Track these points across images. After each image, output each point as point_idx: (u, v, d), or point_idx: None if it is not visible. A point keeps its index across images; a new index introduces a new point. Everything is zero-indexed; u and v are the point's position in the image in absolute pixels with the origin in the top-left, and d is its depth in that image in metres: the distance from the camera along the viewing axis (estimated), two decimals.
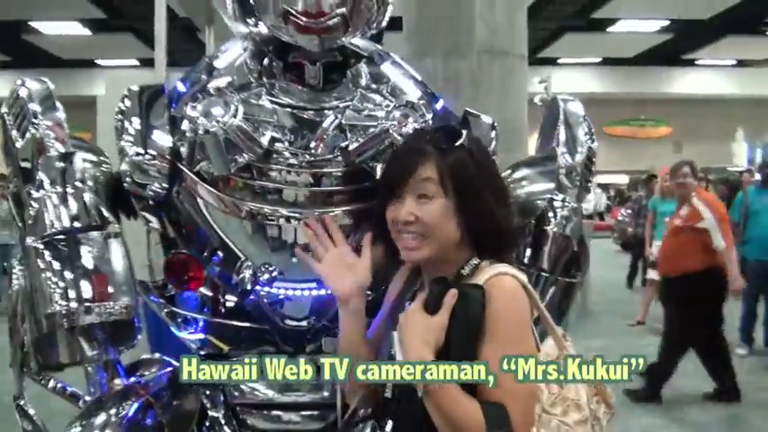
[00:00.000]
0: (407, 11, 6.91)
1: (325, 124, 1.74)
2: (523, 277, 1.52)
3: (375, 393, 1.66)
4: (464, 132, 1.56)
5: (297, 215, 1.73)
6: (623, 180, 27.57)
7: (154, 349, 2.11)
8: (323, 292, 1.82)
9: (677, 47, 23.43)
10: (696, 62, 26.42)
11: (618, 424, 1.77)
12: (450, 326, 1.44)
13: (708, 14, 19.27)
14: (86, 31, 19.50)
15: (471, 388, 1.42)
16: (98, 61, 23.30)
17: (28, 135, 1.80)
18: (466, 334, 1.44)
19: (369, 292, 1.73)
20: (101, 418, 1.60)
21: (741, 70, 27.45)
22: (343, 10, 1.65)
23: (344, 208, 1.76)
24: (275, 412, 1.98)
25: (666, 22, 20.36)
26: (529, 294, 1.51)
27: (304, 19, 1.63)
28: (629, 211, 12.28)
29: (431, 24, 6.61)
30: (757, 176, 9.03)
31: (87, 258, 1.71)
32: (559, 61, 25.49)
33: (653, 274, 9.14)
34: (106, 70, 22.68)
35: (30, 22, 18.62)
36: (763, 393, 6.56)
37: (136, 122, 1.80)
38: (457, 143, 1.54)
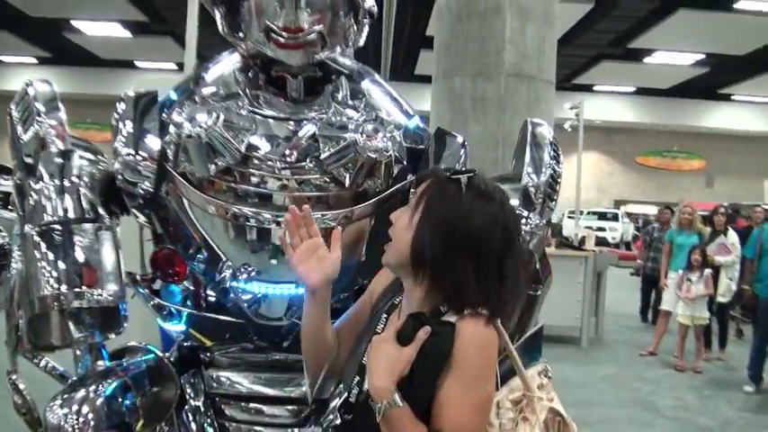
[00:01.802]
0: (439, 30, 7.03)
1: (300, 134, 1.86)
2: (497, 320, 1.57)
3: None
4: (473, 172, 1.58)
5: (279, 219, 1.83)
6: (653, 211, 27.40)
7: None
8: (300, 291, 1.91)
9: (713, 81, 23.33)
10: (732, 97, 26.22)
11: None
12: (417, 359, 1.50)
13: (745, 50, 19.19)
14: (127, 33, 19.86)
15: (426, 416, 1.50)
16: (137, 63, 23.64)
17: (31, 132, 1.95)
18: (431, 369, 1.51)
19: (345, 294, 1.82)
20: (80, 394, 1.69)
21: None
22: (321, 27, 1.82)
23: (325, 213, 1.86)
24: (253, 404, 2.09)
25: (703, 56, 20.26)
26: (499, 333, 1.56)
27: (285, 35, 1.79)
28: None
29: (461, 45, 6.71)
30: None
31: (79, 248, 1.84)
32: (594, 88, 25.45)
33: (667, 306, 9.14)
34: (144, 72, 23.04)
35: (72, 21, 19.00)
36: (765, 431, 6.53)
37: (129, 125, 1.94)
38: (453, 175, 1.57)
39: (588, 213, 24.67)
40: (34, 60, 23.82)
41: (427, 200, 1.56)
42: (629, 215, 27.15)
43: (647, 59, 20.96)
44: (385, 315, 1.72)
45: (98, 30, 19.66)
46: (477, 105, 6.66)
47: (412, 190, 1.62)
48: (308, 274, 1.68)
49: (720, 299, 8.88)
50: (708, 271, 8.36)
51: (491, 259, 1.53)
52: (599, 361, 8.75)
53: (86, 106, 22.34)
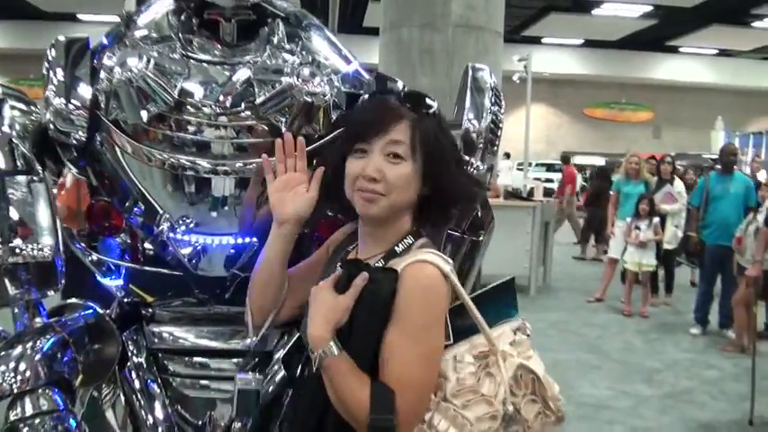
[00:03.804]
0: None
1: (234, 78, 1.80)
2: (447, 267, 1.54)
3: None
4: (435, 102, 1.60)
5: (218, 166, 1.79)
6: (600, 162, 27.73)
7: None
8: (239, 241, 1.89)
9: (661, 33, 23.53)
10: (679, 49, 26.49)
11: None
12: (356, 307, 1.50)
13: (692, 2, 19.36)
14: None
15: (373, 370, 1.50)
16: (79, 16, 23.02)
17: None
18: (370, 317, 1.50)
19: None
20: (17, 351, 1.64)
21: (724, 60, 27.62)
22: None
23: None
24: (196, 358, 2.06)
25: (650, 8, 20.40)
26: (452, 285, 1.54)
27: None
28: None
29: None
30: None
31: (12, 201, 1.77)
32: (543, 41, 25.51)
33: (613, 253, 9.32)
34: (86, 25, 22.45)
35: None
36: (711, 370, 6.74)
37: (59, 73, 1.85)
38: (430, 110, 1.59)
39: (536, 165, 24.90)
40: None
41: (422, 143, 1.56)
42: (576, 166, 27.43)
43: (595, 11, 21.09)
44: (340, 262, 1.68)
45: None
46: (425, 57, 6.62)
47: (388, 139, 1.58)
48: (281, 204, 1.69)
49: (667, 246, 9.08)
50: (656, 219, 8.54)
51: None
52: (547, 308, 8.92)
53: (28, 62, 21.62)
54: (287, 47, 1.90)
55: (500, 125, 2.06)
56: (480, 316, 1.59)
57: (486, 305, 1.64)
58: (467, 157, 1.99)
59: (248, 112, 1.79)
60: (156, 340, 2.06)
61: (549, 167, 25.67)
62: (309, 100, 1.78)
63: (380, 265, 1.58)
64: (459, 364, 1.55)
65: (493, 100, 2.08)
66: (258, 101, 1.77)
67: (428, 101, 1.61)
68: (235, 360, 2.07)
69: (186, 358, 2.06)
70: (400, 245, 1.60)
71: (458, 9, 6.48)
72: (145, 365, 2.04)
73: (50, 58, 1.89)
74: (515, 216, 9.32)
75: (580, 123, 30.20)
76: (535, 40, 24.68)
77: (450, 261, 1.61)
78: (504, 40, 7.08)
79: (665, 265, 9.49)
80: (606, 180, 13.62)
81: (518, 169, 16.44)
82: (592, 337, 7.84)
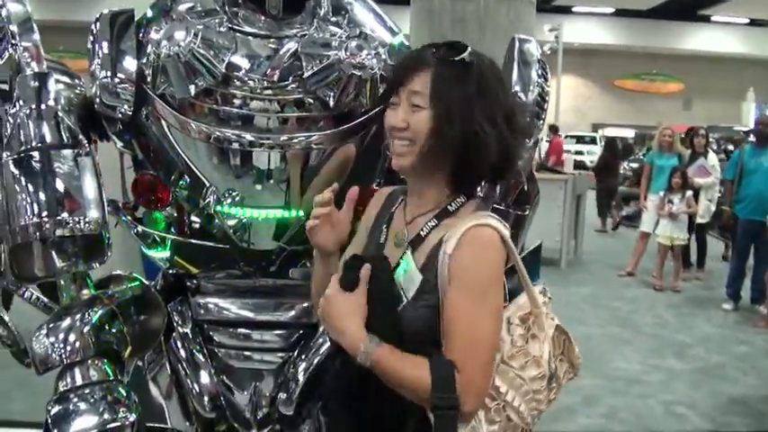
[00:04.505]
0: None
1: (281, 52, 1.80)
2: (504, 230, 1.53)
3: None
4: (469, 48, 1.54)
5: (263, 140, 1.79)
6: (630, 134, 27.48)
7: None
8: (286, 214, 1.90)
9: (692, 2, 23.14)
10: (711, 19, 26.08)
11: None
12: (371, 298, 1.51)
13: None
14: None
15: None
16: None
17: (6, 55, 1.86)
18: (379, 302, 1.51)
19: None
20: (66, 322, 1.66)
21: (755, 30, 27.14)
22: None
23: (310, 134, 1.82)
24: (241, 330, 2.08)
25: None
26: (507, 248, 1.54)
27: None
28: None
29: None
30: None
31: (59, 174, 1.76)
32: (573, 10, 25.21)
33: (645, 227, 9.22)
34: None
35: None
36: (743, 346, 6.70)
37: (105, 47, 1.86)
38: (456, 57, 1.53)
39: (566, 137, 24.70)
40: None
41: (438, 90, 1.51)
42: (606, 138, 27.23)
43: None
44: (384, 226, 1.69)
45: None
46: (457, 26, 6.53)
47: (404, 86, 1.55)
48: (325, 242, 1.67)
49: (699, 219, 8.96)
50: (689, 192, 8.43)
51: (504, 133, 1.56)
52: (578, 282, 8.87)
53: (58, 33, 21.79)
54: (333, 20, 1.89)
55: (546, 98, 2.05)
56: (528, 277, 1.61)
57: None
58: None
59: (295, 86, 1.78)
60: (201, 311, 2.08)
61: (580, 140, 25.45)
62: (358, 73, 1.77)
63: (433, 224, 1.57)
64: (510, 326, 1.56)
65: (540, 72, 2.05)
66: (306, 74, 1.77)
67: (457, 47, 1.55)
68: (278, 332, 2.09)
69: (231, 329, 2.08)
70: (453, 204, 1.59)
71: None
72: (190, 336, 2.06)
73: (95, 31, 1.90)
74: (547, 189, 9.13)
75: (610, 95, 29.89)
76: (566, 10, 24.42)
77: (507, 225, 1.60)
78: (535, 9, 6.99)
79: (697, 240, 9.40)
80: (614, 152, 13.84)
81: (547, 141, 16.31)
82: (624, 311, 7.78)
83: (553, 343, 1.63)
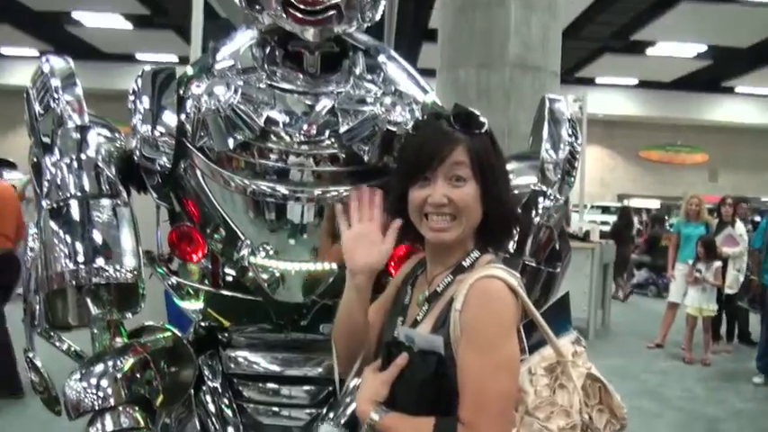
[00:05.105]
0: (444, 22, 6.99)
1: (317, 108, 1.84)
2: (513, 281, 1.52)
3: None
4: (485, 119, 1.60)
5: (298, 193, 1.83)
6: (656, 205, 27.37)
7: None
8: (319, 268, 1.91)
9: (716, 74, 23.26)
10: (734, 90, 26.15)
11: None
12: (396, 383, 1.55)
13: (748, 43, 19.16)
14: (128, 26, 19.80)
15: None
16: (138, 56, 23.59)
17: (48, 109, 1.92)
18: (408, 396, 1.53)
19: None
20: (99, 368, 1.68)
21: None
22: (337, 0, 1.78)
23: (343, 188, 1.85)
24: (270, 385, 2.07)
25: (705, 48, 20.20)
26: (520, 299, 1.53)
27: (301, 9, 1.76)
28: None
29: (466, 36, 6.68)
30: None
31: (97, 223, 1.80)
32: (597, 81, 25.39)
33: (674, 298, 9.12)
34: (144, 65, 22.97)
35: (73, 13, 18.95)
36: None
37: (146, 102, 1.91)
38: (482, 129, 1.59)
39: (592, 207, 24.63)
40: (36, 53, 23.72)
41: (479, 162, 1.57)
42: (632, 209, 27.09)
43: (649, 52, 20.90)
44: (409, 286, 1.72)
45: (99, 22, 19.55)
46: (482, 96, 6.62)
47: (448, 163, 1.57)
48: (353, 255, 1.69)
49: (728, 290, 8.87)
50: (717, 263, 8.34)
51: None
52: (606, 353, 8.74)
53: (89, 99, 22.19)
54: (368, 78, 1.95)
55: (577, 156, 2.06)
56: (548, 328, 1.59)
57: (546, 321, 1.63)
58: (544, 188, 1.99)
59: (330, 141, 1.82)
60: (231, 365, 2.07)
61: (605, 210, 25.35)
62: (393, 129, 1.81)
63: (449, 280, 1.59)
64: (533, 377, 1.55)
65: (570, 131, 2.08)
66: (342, 129, 1.81)
67: (479, 119, 1.60)
68: (306, 387, 2.07)
69: (260, 384, 2.07)
70: (467, 259, 1.61)
71: (515, 49, 6.49)
72: (220, 390, 2.05)
73: (136, 88, 1.95)
74: (574, 258, 9.10)
75: (635, 165, 29.84)
76: (589, 81, 24.59)
77: (518, 275, 1.60)
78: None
79: (726, 311, 9.27)
80: (627, 221, 14.12)
81: (573, 211, 16.28)
82: (653, 383, 7.65)
83: (586, 392, 1.61)
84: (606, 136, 28.12)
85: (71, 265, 1.74)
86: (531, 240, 2.01)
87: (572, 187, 2.07)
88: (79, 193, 1.82)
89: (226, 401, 2.04)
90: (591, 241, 10.65)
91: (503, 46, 6.48)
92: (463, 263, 1.60)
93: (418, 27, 17.73)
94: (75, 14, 19.07)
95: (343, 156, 1.84)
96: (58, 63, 1.99)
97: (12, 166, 11.27)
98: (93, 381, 1.65)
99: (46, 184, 1.85)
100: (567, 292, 1.79)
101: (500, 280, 1.50)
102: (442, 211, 1.56)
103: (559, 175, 2.04)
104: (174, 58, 22.10)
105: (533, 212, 2.02)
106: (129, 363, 1.71)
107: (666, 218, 19.60)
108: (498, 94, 6.55)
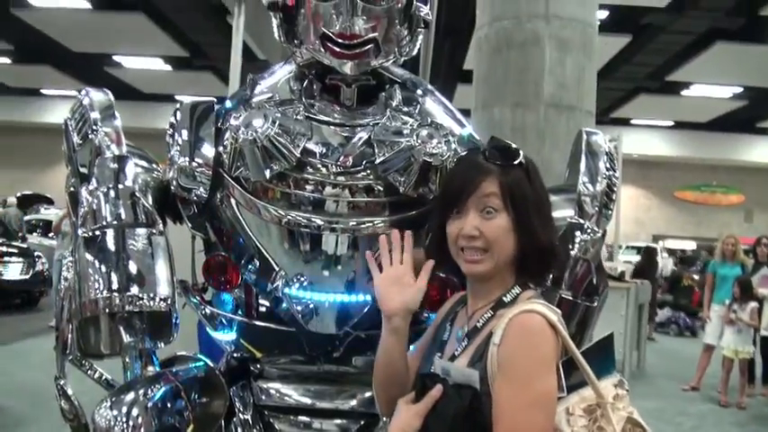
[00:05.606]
0: (478, 62, 7.02)
1: (354, 139, 1.87)
2: (554, 317, 1.50)
3: None
4: (521, 151, 1.60)
5: (333, 224, 1.83)
6: (691, 246, 27.03)
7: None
8: (353, 299, 1.92)
9: (751, 114, 23.06)
10: None
11: None
12: (429, 415, 1.52)
13: None
14: (168, 68, 20.21)
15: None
16: (177, 96, 23.91)
17: (86, 140, 1.97)
18: (440, 430, 1.50)
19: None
20: (129, 396, 1.67)
21: None
22: (375, 35, 1.83)
23: (379, 219, 1.86)
24: (301, 417, 2.06)
25: (740, 90, 20.06)
26: (560, 335, 1.50)
27: (339, 44, 1.81)
28: None
29: (500, 76, 6.70)
30: None
31: (132, 252, 1.82)
32: (632, 122, 25.30)
33: (710, 340, 8.97)
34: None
35: (114, 56, 19.33)
36: None
37: (185, 134, 1.95)
38: (515, 161, 1.59)
39: (627, 248, 24.37)
40: (76, 93, 24.16)
41: (511, 194, 1.55)
42: (667, 250, 26.76)
43: (684, 93, 20.80)
44: (449, 323, 1.70)
45: (139, 64, 19.99)
46: (517, 135, 6.60)
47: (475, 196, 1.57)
48: (387, 299, 1.68)
49: (764, 332, 8.68)
50: (754, 304, 8.21)
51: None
52: (642, 395, 8.56)
53: (126, 138, 22.50)
54: (405, 109, 1.96)
55: (615, 188, 2.06)
56: (589, 368, 1.56)
57: (587, 361, 1.59)
58: (581, 221, 1.98)
59: (366, 172, 1.84)
60: (263, 396, 2.07)
61: (639, 250, 25.10)
62: (429, 160, 1.81)
63: (489, 315, 1.57)
64: (571, 418, 1.51)
65: (608, 165, 2.08)
66: (378, 161, 1.82)
67: (513, 151, 1.60)
68: (338, 421, 2.06)
69: (291, 417, 2.06)
70: (508, 295, 1.58)
71: (549, 88, 6.48)
72: (251, 422, 2.05)
73: (175, 121, 1.99)
74: (609, 298, 9.02)
75: (670, 206, 29.56)
76: (624, 122, 24.51)
77: (558, 311, 1.57)
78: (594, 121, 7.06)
79: (762, 353, 9.11)
80: (651, 260, 14.09)
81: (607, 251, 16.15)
82: (688, 426, 7.49)
83: None
84: (641, 176, 27.89)
85: (105, 293, 1.75)
86: (568, 273, 2.00)
87: (609, 220, 2.06)
88: (115, 222, 1.84)
89: None
90: (626, 281, 10.54)
91: (537, 85, 6.50)
92: (504, 298, 1.58)
93: (453, 68, 17.85)
94: (116, 57, 19.44)
95: (379, 187, 1.85)
96: (97, 96, 2.04)
97: (49, 201, 11.48)
98: (124, 409, 1.64)
99: (82, 212, 1.88)
100: (612, 333, 1.73)
101: (540, 315, 1.48)
102: (473, 245, 1.56)
103: (597, 208, 2.03)
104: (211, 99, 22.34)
105: (570, 245, 2.01)
106: (160, 392, 1.71)
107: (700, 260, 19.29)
108: (533, 134, 6.53)
